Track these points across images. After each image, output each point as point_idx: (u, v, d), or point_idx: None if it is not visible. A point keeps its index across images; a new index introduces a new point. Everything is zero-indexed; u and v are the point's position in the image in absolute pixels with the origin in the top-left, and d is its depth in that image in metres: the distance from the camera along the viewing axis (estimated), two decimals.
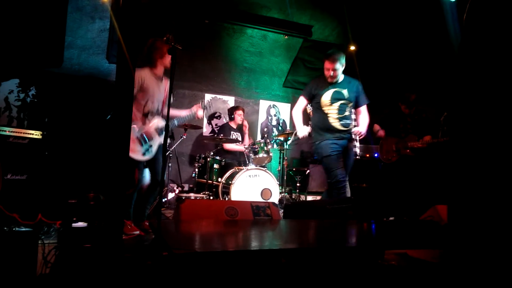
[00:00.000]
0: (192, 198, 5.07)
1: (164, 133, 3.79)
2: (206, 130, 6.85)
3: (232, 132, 6.09)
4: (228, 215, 2.80)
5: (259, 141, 5.47)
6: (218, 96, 6.99)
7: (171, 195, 5.48)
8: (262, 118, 7.39)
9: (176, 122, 4.03)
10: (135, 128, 3.62)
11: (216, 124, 6.92)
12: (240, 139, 6.10)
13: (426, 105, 4.76)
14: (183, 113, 4.04)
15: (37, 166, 3.66)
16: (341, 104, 3.91)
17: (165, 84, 3.84)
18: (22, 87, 5.42)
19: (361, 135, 3.92)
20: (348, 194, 4.65)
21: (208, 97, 6.89)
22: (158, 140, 3.77)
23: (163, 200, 5.23)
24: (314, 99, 4.03)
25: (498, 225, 1.17)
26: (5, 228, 2.12)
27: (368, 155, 5.72)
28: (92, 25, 5.65)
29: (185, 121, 4.14)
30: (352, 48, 6.84)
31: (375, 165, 5.42)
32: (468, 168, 1.26)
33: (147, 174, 3.91)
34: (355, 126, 3.92)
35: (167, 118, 3.29)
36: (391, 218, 3.95)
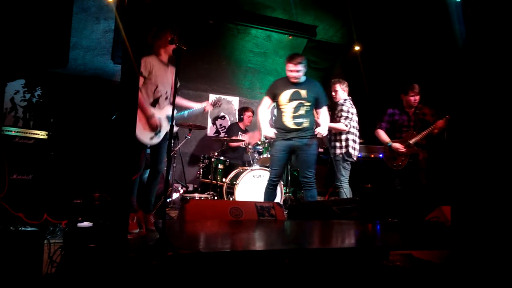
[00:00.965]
0: (196, 198, 5.09)
1: (171, 121, 3.88)
2: (210, 130, 6.86)
3: (239, 133, 6.09)
4: (232, 216, 2.80)
5: (263, 141, 5.47)
6: (223, 97, 7.00)
7: (175, 195, 5.50)
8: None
9: (186, 114, 4.16)
10: (146, 115, 3.68)
11: (220, 125, 6.93)
12: (247, 140, 6.10)
13: (431, 106, 4.71)
14: (193, 104, 4.18)
15: (42, 166, 3.68)
16: (298, 103, 4.07)
17: (171, 71, 3.91)
18: (27, 88, 5.45)
19: (322, 136, 4.11)
20: (346, 195, 4.68)
21: (212, 97, 6.90)
22: (167, 128, 3.84)
23: (168, 200, 5.25)
24: (275, 98, 4.19)
25: (501, 225, 1.16)
26: (11, 228, 2.13)
27: (372, 156, 5.70)
28: (97, 25, 5.67)
29: (195, 114, 4.29)
30: (357, 48, 6.82)
31: (379, 166, 5.40)
32: (471, 169, 1.25)
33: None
34: (308, 124, 4.08)
35: (172, 116, 3.30)
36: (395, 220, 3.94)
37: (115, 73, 5.99)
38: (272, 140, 4.25)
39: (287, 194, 5.65)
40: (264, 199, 4.20)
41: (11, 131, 3.56)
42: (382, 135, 4.77)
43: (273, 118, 4.38)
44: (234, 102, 7.07)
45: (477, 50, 1.28)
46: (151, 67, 3.68)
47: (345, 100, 4.82)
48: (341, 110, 4.72)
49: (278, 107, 4.20)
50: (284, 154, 4.12)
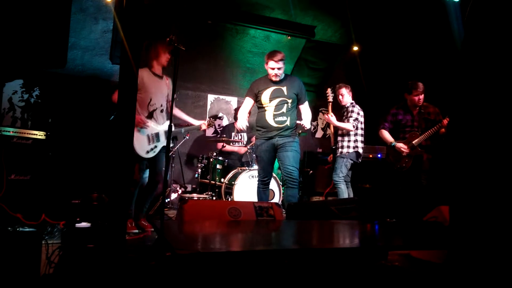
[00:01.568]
0: (195, 198, 5.08)
1: (170, 121, 3.90)
2: (208, 131, 6.86)
3: (234, 134, 6.08)
4: (231, 216, 2.80)
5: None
6: (221, 97, 7.00)
7: (174, 196, 5.50)
8: None
9: (183, 131, 4.24)
10: (148, 125, 3.74)
11: (219, 125, 6.93)
12: (244, 140, 6.09)
13: (435, 105, 4.69)
14: (192, 121, 4.24)
15: (40, 166, 3.68)
16: (279, 101, 4.03)
17: (166, 81, 3.93)
18: (26, 88, 5.44)
19: (305, 128, 4.07)
20: (343, 192, 4.70)
21: (211, 97, 6.89)
22: (164, 143, 3.85)
23: (166, 201, 5.24)
24: (256, 98, 4.14)
25: (501, 225, 1.16)
26: (9, 228, 2.12)
27: (371, 156, 5.70)
28: (96, 26, 5.66)
29: (192, 130, 4.39)
30: (356, 48, 6.83)
31: (378, 166, 5.40)
32: (469, 168, 1.25)
33: (147, 173, 3.97)
34: (289, 123, 4.04)
35: (171, 117, 3.32)
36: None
37: (113, 74, 5.99)
38: (256, 142, 4.20)
39: None
40: (258, 200, 4.17)
41: (9, 131, 3.55)
42: (386, 135, 4.75)
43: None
44: (232, 102, 7.07)
45: (475, 50, 1.28)
46: (140, 80, 3.64)
47: (352, 103, 4.87)
48: (352, 111, 4.79)
49: (259, 106, 4.15)
50: (268, 153, 4.08)
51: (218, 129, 6.90)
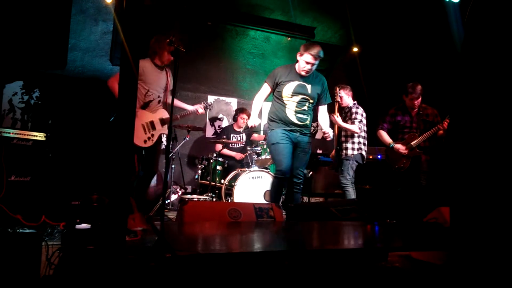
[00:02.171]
0: (195, 199, 5.08)
1: (164, 123, 3.92)
2: (208, 132, 6.86)
3: (232, 135, 6.07)
4: (231, 217, 2.80)
5: (262, 142, 5.46)
6: (221, 98, 7.00)
7: (174, 197, 5.49)
8: (265, 120, 7.38)
9: (179, 117, 4.21)
10: (142, 114, 3.75)
11: (219, 126, 6.93)
12: (243, 140, 6.09)
13: (434, 107, 4.69)
14: (186, 106, 4.25)
15: (40, 168, 3.67)
16: (301, 98, 3.80)
17: (168, 74, 3.98)
18: (26, 89, 5.44)
19: (329, 138, 3.90)
20: (351, 195, 4.65)
21: (211, 98, 6.89)
22: (160, 131, 3.88)
23: (166, 202, 5.24)
24: (276, 88, 3.84)
25: (501, 226, 1.16)
26: (9, 230, 2.12)
27: (371, 157, 5.70)
28: (96, 27, 5.67)
29: (185, 115, 4.32)
30: (355, 49, 6.83)
31: (378, 167, 5.40)
32: (470, 169, 1.25)
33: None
34: (309, 122, 3.90)
35: (170, 120, 3.31)
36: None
37: (113, 75, 5.99)
38: (270, 130, 3.86)
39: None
40: (272, 199, 3.89)
41: (9, 132, 3.55)
42: (384, 136, 4.74)
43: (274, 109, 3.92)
44: (232, 103, 7.07)
45: (476, 51, 1.28)
46: (141, 70, 3.69)
47: (355, 104, 4.84)
48: (356, 113, 4.75)
49: (278, 98, 3.86)
50: (289, 142, 3.76)
51: (217, 130, 6.89)
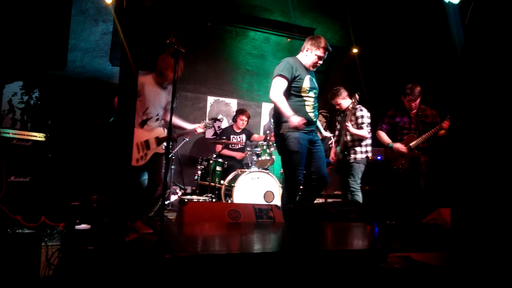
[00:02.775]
0: (194, 200, 5.08)
1: (161, 143, 3.88)
2: (208, 133, 6.86)
3: (232, 136, 6.07)
4: (230, 218, 2.79)
5: (262, 143, 5.46)
6: (221, 99, 7.00)
7: (173, 198, 5.49)
8: (264, 120, 7.39)
9: (175, 134, 4.13)
10: (137, 133, 3.62)
11: (218, 127, 6.93)
12: (243, 141, 6.09)
13: (433, 108, 4.69)
14: (185, 125, 4.12)
15: (40, 168, 3.67)
16: (315, 92, 3.59)
17: (169, 92, 3.84)
18: (25, 90, 5.44)
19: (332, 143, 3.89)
20: (361, 199, 4.61)
21: (210, 99, 6.90)
22: (155, 150, 3.75)
23: (166, 203, 5.24)
24: (293, 82, 3.50)
25: (501, 227, 1.16)
26: (8, 230, 2.12)
27: (371, 158, 5.70)
28: (96, 28, 5.67)
29: (185, 133, 4.28)
30: (355, 50, 6.84)
31: (378, 168, 5.40)
32: (471, 170, 1.25)
33: (145, 175, 3.97)
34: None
35: (170, 123, 3.31)
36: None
37: (113, 75, 5.99)
38: (288, 132, 3.44)
39: None
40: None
41: (8, 133, 3.55)
42: (383, 136, 4.74)
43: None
44: (232, 104, 7.07)
45: (476, 53, 1.29)
46: (141, 87, 3.60)
47: (359, 107, 4.79)
48: (362, 117, 4.68)
49: (295, 94, 3.50)
50: (306, 149, 3.47)
51: (217, 131, 6.90)
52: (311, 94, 3.55)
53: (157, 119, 3.82)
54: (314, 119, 3.55)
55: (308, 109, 3.51)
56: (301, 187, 3.59)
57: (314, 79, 3.66)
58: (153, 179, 3.81)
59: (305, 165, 3.50)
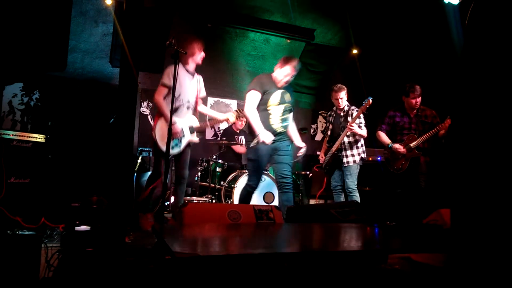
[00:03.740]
0: (194, 201, 5.08)
1: (194, 131, 4.04)
2: (208, 134, 6.86)
3: (235, 136, 6.08)
4: (230, 219, 2.79)
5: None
6: (221, 100, 7.01)
7: (173, 199, 5.48)
8: None
9: (208, 123, 4.37)
10: (174, 120, 3.76)
11: (218, 128, 6.93)
12: (243, 142, 6.09)
13: (432, 108, 4.69)
14: (216, 115, 4.30)
15: (40, 169, 3.67)
16: (285, 106, 3.90)
17: (198, 81, 4.15)
18: (25, 91, 5.45)
19: (301, 154, 4.10)
20: (359, 199, 4.63)
21: (210, 100, 6.90)
22: (189, 137, 4.00)
23: (166, 204, 5.23)
24: (264, 95, 3.83)
25: (501, 228, 1.16)
26: (8, 232, 2.12)
27: (371, 159, 5.70)
28: (96, 29, 5.68)
29: (216, 122, 4.40)
30: (355, 51, 6.84)
31: (378, 169, 5.40)
32: (470, 171, 1.25)
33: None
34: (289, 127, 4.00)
35: (170, 123, 3.32)
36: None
37: (113, 76, 6.00)
38: (252, 143, 3.85)
39: None
40: (239, 202, 4.11)
41: (8, 134, 3.55)
42: (383, 137, 4.74)
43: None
44: (232, 105, 7.07)
45: (476, 54, 1.29)
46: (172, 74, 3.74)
47: (354, 108, 4.79)
48: (360, 117, 4.68)
49: (262, 107, 3.84)
50: (267, 158, 3.86)
51: (217, 132, 6.89)
52: (281, 107, 3.86)
53: (188, 107, 3.93)
54: (281, 129, 3.88)
55: (274, 120, 3.84)
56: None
57: (287, 94, 3.94)
58: (180, 170, 4.03)
59: (274, 169, 4.00)
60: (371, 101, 4.41)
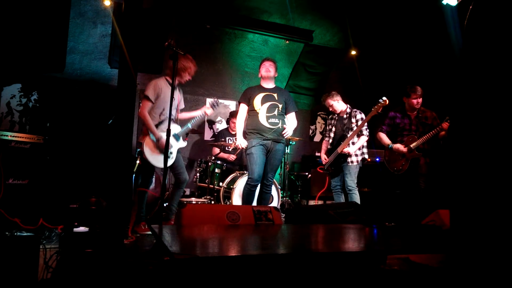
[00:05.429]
0: (193, 202, 5.07)
1: (179, 138, 4.12)
2: (207, 134, 6.86)
3: (228, 138, 6.05)
4: (229, 220, 2.79)
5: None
6: (220, 101, 7.00)
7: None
8: None
9: (189, 125, 4.29)
10: (155, 137, 3.90)
11: (217, 129, 6.93)
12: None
13: (432, 109, 4.70)
14: (194, 113, 4.34)
15: (38, 170, 3.67)
16: (271, 104, 4.29)
17: (179, 91, 4.19)
18: (24, 92, 5.44)
19: (286, 134, 4.24)
20: (358, 199, 4.64)
21: (209, 101, 6.89)
22: (177, 145, 4.09)
23: (164, 205, 5.23)
24: (249, 103, 4.35)
25: (500, 228, 1.17)
26: (7, 233, 2.12)
27: (370, 159, 5.71)
28: (94, 30, 5.67)
29: (198, 122, 4.43)
30: (353, 53, 6.85)
31: (377, 170, 5.40)
32: (470, 172, 1.25)
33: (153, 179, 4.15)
34: (281, 126, 4.23)
35: (169, 126, 3.33)
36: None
37: (112, 77, 5.99)
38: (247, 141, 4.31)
39: (285, 198, 5.65)
40: (243, 202, 4.30)
41: (7, 135, 3.55)
42: (383, 137, 4.76)
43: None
44: (231, 106, 7.07)
45: (475, 55, 1.29)
46: (159, 90, 3.83)
47: (356, 111, 4.81)
48: (362, 119, 4.70)
49: (251, 110, 4.32)
50: (263, 151, 4.20)
51: (216, 133, 6.89)
52: (265, 106, 4.29)
53: (172, 119, 3.96)
54: (269, 126, 4.23)
55: (261, 118, 4.26)
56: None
57: (275, 94, 4.36)
58: (179, 177, 4.11)
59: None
60: (387, 101, 4.47)
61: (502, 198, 1.16)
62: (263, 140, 4.20)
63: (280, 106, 4.32)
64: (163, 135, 3.84)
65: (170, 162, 3.96)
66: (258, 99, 4.31)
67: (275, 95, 4.35)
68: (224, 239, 2.13)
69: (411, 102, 4.56)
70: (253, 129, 4.27)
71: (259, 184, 4.29)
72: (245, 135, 4.39)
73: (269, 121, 4.25)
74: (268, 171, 4.28)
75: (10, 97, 5.35)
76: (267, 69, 4.36)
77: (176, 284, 1.40)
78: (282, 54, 6.99)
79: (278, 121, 4.25)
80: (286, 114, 4.42)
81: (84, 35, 5.64)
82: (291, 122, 4.43)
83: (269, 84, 4.40)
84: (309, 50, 6.85)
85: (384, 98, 4.45)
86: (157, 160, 3.89)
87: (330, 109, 4.98)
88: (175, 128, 4.10)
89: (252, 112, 4.34)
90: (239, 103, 4.45)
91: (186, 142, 4.58)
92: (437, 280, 1.51)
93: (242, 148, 4.32)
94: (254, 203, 4.60)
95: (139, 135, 4.06)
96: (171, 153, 3.96)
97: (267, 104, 4.29)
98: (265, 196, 4.37)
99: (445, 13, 4.79)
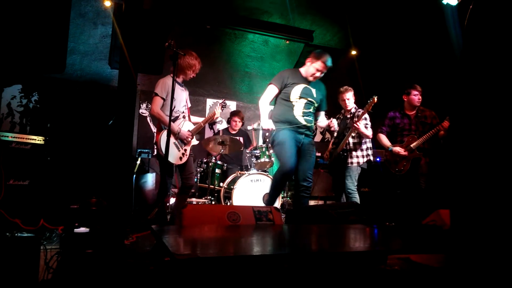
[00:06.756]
0: (194, 203, 5.07)
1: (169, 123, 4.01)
2: (208, 135, 6.86)
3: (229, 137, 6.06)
4: (230, 220, 2.79)
5: (261, 145, 5.45)
6: (220, 101, 7.01)
7: (173, 200, 5.48)
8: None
9: (199, 136, 4.39)
10: (175, 127, 3.89)
11: (218, 129, 6.93)
12: (242, 141, 6.08)
13: (432, 109, 4.70)
14: (202, 119, 4.31)
15: (39, 171, 3.67)
16: (308, 101, 3.89)
17: (186, 90, 4.17)
18: (24, 93, 5.44)
19: (333, 127, 4.01)
20: (359, 200, 4.62)
21: (209, 102, 6.90)
22: (190, 143, 4.09)
23: (167, 205, 5.23)
24: (283, 90, 3.90)
25: (501, 228, 1.17)
26: (7, 234, 2.12)
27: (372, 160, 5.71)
28: (95, 31, 5.67)
29: (206, 120, 4.35)
30: (354, 52, 6.85)
31: (377, 170, 5.40)
32: (470, 172, 1.25)
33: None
34: (313, 124, 3.99)
35: (169, 125, 3.33)
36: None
37: (112, 78, 6.00)
38: (276, 131, 3.83)
39: (285, 199, 5.64)
40: (269, 197, 3.96)
41: (7, 136, 3.55)
42: (383, 139, 4.75)
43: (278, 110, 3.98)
44: (231, 106, 7.08)
45: (475, 54, 1.29)
46: (169, 88, 3.80)
47: (358, 110, 4.78)
48: (365, 118, 4.65)
49: (284, 99, 3.90)
50: (295, 143, 3.78)
51: (216, 132, 6.90)
52: (303, 101, 3.87)
53: (184, 116, 4.06)
54: (304, 123, 3.85)
55: (296, 113, 3.85)
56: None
57: (312, 90, 3.94)
58: (188, 180, 4.07)
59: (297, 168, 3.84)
60: (376, 99, 4.37)
61: (502, 198, 1.16)
62: (295, 131, 3.80)
63: (316, 105, 3.96)
64: (182, 127, 3.94)
65: (184, 159, 3.96)
66: (297, 90, 3.85)
67: (314, 91, 3.94)
68: (224, 240, 2.13)
69: (411, 99, 4.55)
70: (285, 120, 3.83)
71: (295, 189, 3.90)
72: (274, 123, 3.90)
73: (304, 117, 3.85)
74: (306, 169, 3.82)
75: (11, 98, 5.35)
76: (316, 77, 3.92)
77: (177, 284, 1.40)
78: (282, 54, 6.99)
79: (312, 119, 3.93)
80: (317, 111, 4.10)
81: (84, 36, 5.65)
82: (323, 122, 4.15)
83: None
84: (309, 50, 6.82)
85: (373, 96, 4.41)
86: (174, 157, 3.87)
87: (342, 104, 4.88)
88: (189, 126, 4.09)
89: (285, 102, 3.88)
90: (270, 83, 3.95)
91: (197, 141, 4.53)
92: (437, 280, 1.50)
93: (272, 129, 3.80)
94: (277, 204, 4.47)
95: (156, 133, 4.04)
96: (185, 150, 3.98)
97: (305, 99, 3.86)
98: (304, 201, 3.83)
99: (445, 13, 4.79)
